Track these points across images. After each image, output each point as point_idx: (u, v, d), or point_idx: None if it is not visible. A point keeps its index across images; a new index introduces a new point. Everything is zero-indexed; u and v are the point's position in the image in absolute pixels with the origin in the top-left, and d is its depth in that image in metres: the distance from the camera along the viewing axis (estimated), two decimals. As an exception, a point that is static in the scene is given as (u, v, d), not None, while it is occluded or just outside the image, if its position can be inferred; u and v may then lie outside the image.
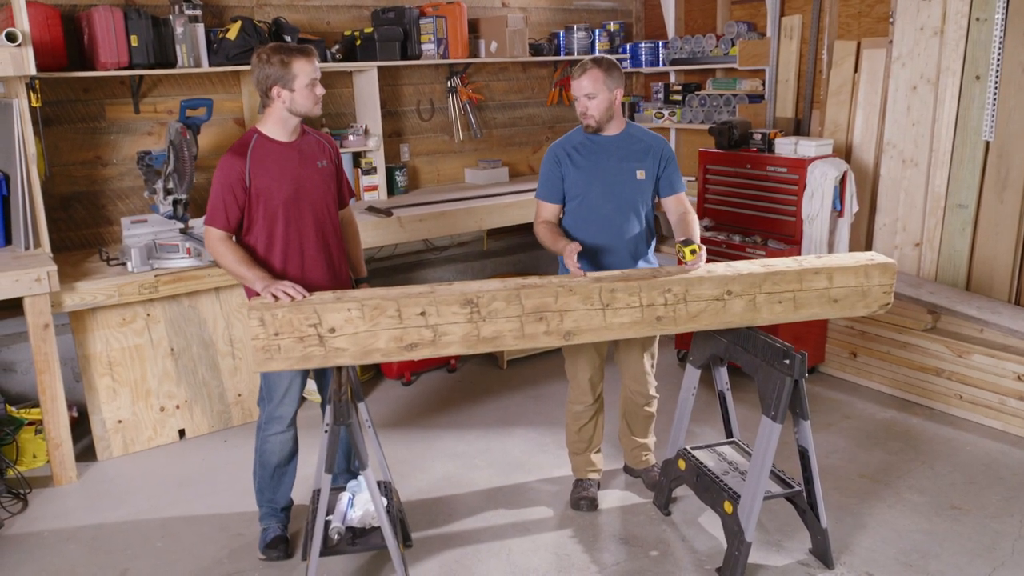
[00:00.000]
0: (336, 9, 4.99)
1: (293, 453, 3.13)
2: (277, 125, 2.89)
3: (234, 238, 2.91)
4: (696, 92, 5.63)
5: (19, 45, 3.41)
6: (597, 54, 3.12)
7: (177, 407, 4.06)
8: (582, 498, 3.35)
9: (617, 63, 3.14)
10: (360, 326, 2.52)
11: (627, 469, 3.64)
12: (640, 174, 3.16)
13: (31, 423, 3.83)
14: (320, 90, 2.87)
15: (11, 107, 3.57)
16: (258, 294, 2.69)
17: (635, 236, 3.18)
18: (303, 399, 4.42)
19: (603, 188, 3.14)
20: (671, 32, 5.89)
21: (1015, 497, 3.34)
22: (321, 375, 3.18)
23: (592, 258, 3.15)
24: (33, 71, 3.47)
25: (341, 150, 4.80)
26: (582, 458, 3.42)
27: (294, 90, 2.81)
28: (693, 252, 2.82)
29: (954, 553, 2.99)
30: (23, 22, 3.44)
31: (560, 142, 3.23)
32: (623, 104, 6.02)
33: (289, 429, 3.08)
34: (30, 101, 3.58)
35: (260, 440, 3.07)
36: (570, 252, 2.85)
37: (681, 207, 3.20)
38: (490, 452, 3.89)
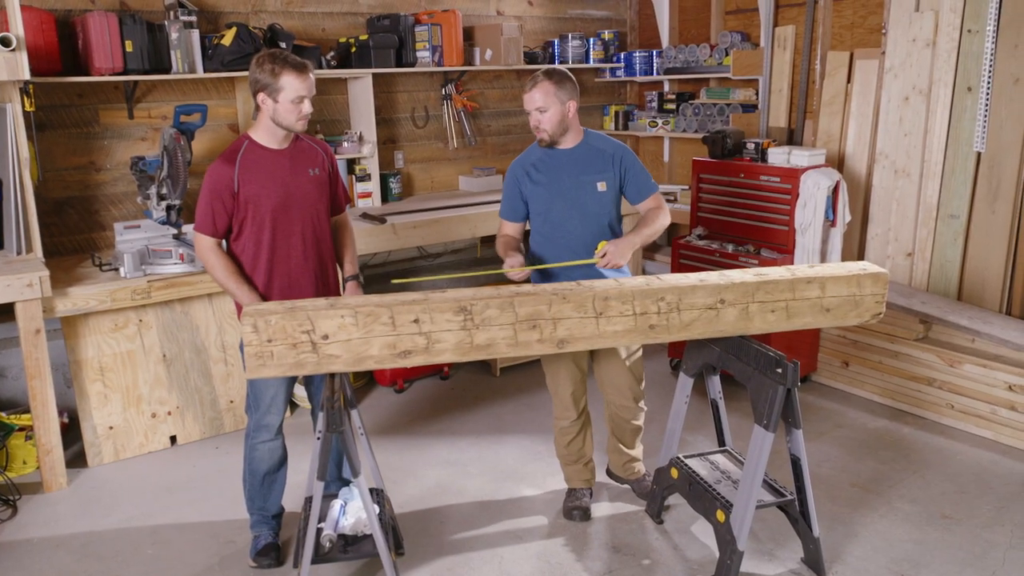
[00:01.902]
0: (332, 16, 4.99)
1: (282, 460, 3.12)
2: (267, 132, 2.88)
3: (225, 243, 2.92)
4: (690, 101, 5.65)
5: (13, 50, 3.41)
6: (549, 66, 3.04)
7: (169, 413, 4.05)
8: (575, 508, 3.34)
9: (569, 74, 3.08)
10: (353, 333, 2.52)
11: (610, 474, 3.61)
12: (601, 186, 3.12)
13: (21, 429, 3.81)
14: (307, 108, 2.83)
15: (5, 111, 3.57)
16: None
17: None
18: (295, 406, 4.45)
19: (564, 204, 3.11)
20: (665, 41, 5.92)
21: (1006, 507, 3.35)
22: (311, 382, 3.18)
23: (562, 272, 3.10)
24: (27, 76, 3.47)
25: (336, 157, 4.82)
26: (573, 468, 3.41)
27: (278, 102, 2.79)
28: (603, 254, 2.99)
29: (945, 563, 3.00)
30: (18, 27, 3.43)
31: (519, 160, 3.21)
32: (630, 113, 6.10)
33: (277, 437, 3.07)
34: (24, 105, 3.57)
35: (248, 448, 3.06)
36: (508, 266, 3.01)
37: (651, 204, 3.17)
38: (483, 460, 3.88)
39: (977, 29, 4.19)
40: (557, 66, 3.18)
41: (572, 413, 3.29)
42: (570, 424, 3.31)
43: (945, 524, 3.25)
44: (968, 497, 3.44)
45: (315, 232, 2.99)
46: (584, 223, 3.12)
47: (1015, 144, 4.11)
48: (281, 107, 2.80)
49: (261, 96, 2.80)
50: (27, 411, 3.82)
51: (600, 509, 3.42)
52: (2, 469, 3.65)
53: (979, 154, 4.24)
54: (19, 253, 3.66)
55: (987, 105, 4.17)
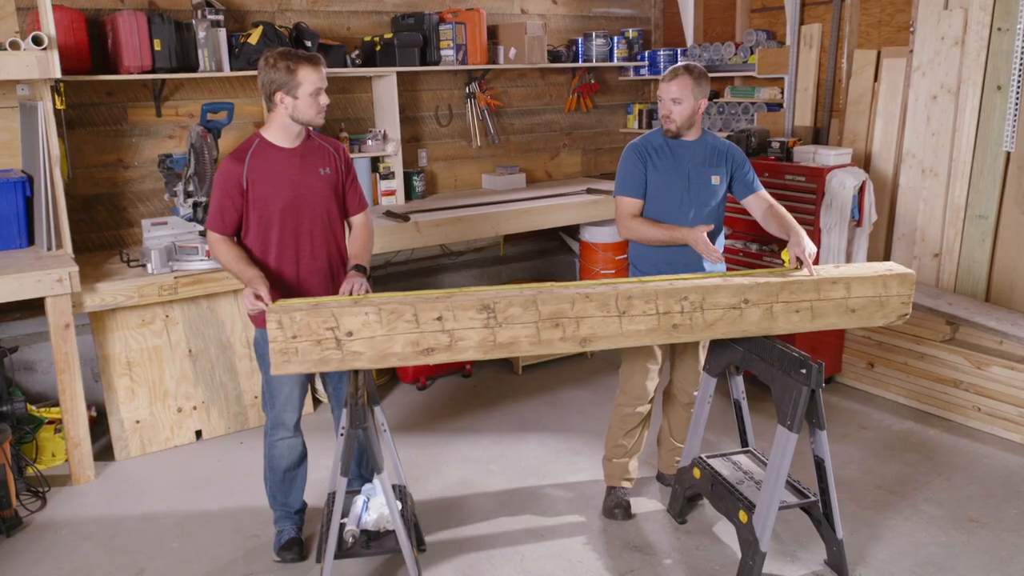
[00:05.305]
0: (356, 15, 5.02)
1: (302, 457, 3.13)
2: (280, 131, 2.89)
3: (237, 239, 2.93)
4: (714, 100, 5.62)
5: (45, 48, 3.46)
6: (690, 62, 3.20)
7: (194, 408, 4.09)
8: (616, 506, 3.34)
9: (707, 74, 3.21)
10: (377, 330, 2.53)
11: (660, 477, 3.62)
12: (715, 179, 3.22)
13: (50, 422, 3.87)
14: (324, 99, 2.84)
15: (36, 109, 3.62)
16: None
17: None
18: (318, 402, 4.48)
19: (681, 192, 3.19)
20: (690, 40, 5.89)
21: (1034, 511, 3.32)
22: (328, 380, 3.19)
23: (667, 259, 3.18)
24: (58, 74, 3.52)
25: (360, 155, 4.86)
26: (618, 464, 3.39)
27: (297, 97, 2.80)
28: (800, 262, 2.90)
29: (971, 567, 2.97)
30: (49, 26, 3.49)
31: (640, 141, 3.28)
32: (654, 112, 6.07)
33: (296, 434, 3.07)
34: (54, 104, 3.62)
35: (268, 445, 3.08)
36: (699, 235, 3.02)
37: (763, 203, 3.22)
38: (504, 457, 3.89)
39: (1007, 27, 4.14)
40: (697, 63, 3.30)
41: (640, 402, 3.29)
42: (634, 413, 3.31)
43: (971, 528, 3.21)
44: (995, 501, 3.40)
45: (325, 232, 2.97)
46: (697, 212, 3.20)
47: (1046, 144, 4.05)
48: (301, 102, 2.81)
49: (279, 95, 2.81)
50: (56, 404, 3.88)
51: (621, 508, 3.42)
52: (32, 461, 3.71)
53: (1008, 154, 4.19)
54: (49, 249, 3.72)
55: (1017, 104, 4.12)
